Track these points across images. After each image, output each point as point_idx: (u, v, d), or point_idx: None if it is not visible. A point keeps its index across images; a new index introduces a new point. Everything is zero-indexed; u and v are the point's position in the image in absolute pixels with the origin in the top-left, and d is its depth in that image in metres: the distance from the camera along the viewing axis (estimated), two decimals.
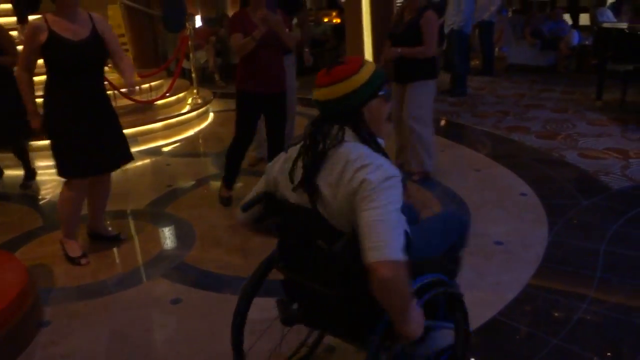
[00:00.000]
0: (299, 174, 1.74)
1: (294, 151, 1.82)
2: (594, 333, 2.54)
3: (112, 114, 3.38)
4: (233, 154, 4.18)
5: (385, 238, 1.50)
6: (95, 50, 3.19)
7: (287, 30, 3.93)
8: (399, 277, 1.51)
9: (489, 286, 2.93)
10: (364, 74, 1.72)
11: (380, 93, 1.77)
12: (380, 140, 1.78)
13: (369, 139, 1.73)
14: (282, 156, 1.89)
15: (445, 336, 1.98)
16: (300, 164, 1.75)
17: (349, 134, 1.72)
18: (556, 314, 2.70)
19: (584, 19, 12.79)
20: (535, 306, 2.76)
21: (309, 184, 1.69)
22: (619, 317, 2.64)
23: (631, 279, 2.95)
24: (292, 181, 1.77)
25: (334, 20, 13.16)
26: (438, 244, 2.04)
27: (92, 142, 3.23)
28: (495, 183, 4.47)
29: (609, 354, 2.40)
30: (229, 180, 4.24)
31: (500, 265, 3.14)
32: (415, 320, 1.65)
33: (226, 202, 4.22)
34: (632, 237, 3.43)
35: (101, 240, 3.58)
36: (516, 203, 4.04)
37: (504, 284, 2.93)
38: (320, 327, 2.12)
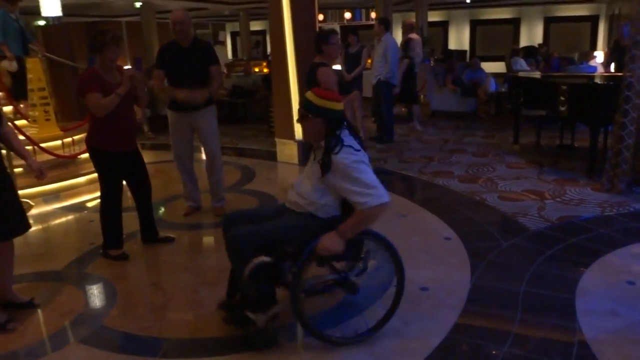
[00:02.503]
0: None
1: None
2: None
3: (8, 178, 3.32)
4: (110, 216, 4.13)
5: None
6: None
7: (145, 89, 4.23)
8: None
9: (414, 333, 2.95)
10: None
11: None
12: None
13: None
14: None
15: None
16: None
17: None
18: (480, 357, 2.74)
19: (497, 67, 13.65)
20: (459, 351, 2.80)
21: None
22: (539, 357, 2.72)
23: (549, 318, 3.07)
24: None
25: (264, 70, 13.38)
26: None
27: (14, 200, 3.20)
28: (420, 228, 4.58)
29: None
30: (115, 243, 4.17)
31: (425, 312, 3.18)
32: None
33: (121, 257, 4.14)
34: (548, 276, 3.58)
35: (13, 308, 3.35)
36: (441, 247, 4.14)
37: (428, 330, 2.97)
38: None
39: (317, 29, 6.86)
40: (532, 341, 2.86)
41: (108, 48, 3.81)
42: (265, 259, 2.66)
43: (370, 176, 2.69)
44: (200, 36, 4.86)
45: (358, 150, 2.73)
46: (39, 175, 3.45)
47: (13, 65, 7.10)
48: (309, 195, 2.84)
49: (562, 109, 6.06)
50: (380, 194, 2.64)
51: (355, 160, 2.68)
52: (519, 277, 3.57)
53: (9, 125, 3.42)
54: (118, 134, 3.95)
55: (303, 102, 2.81)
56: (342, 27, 16.83)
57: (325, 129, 2.74)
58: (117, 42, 3.88)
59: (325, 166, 2.70)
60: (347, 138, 2.75)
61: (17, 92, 7.28)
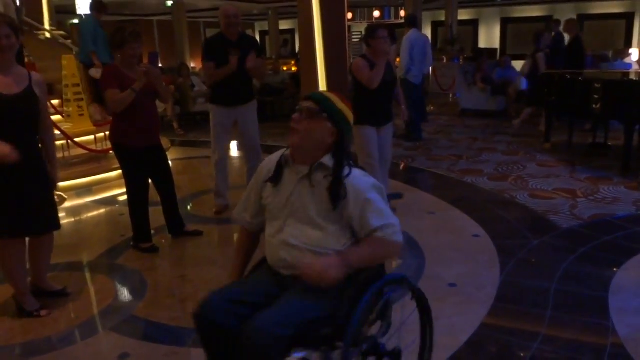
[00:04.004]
0: None
1: None
2: None
3: (41, 175, 3.18)
4: (137, 211, 4.18)
5: None
6: (26, 107, 3.03)
7: (164, 84, 4.18)
8: None
9: (443, 328, 2.90)
10: None
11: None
12: (287, 152, 2.16)
13: None
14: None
15: None
16: None
17: None
18: (509, 355, 2.71)
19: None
20: (488, 347, 2.77)
21: None
22: (570, 355, 2.67)
23: (581, 317, 3.01)
24: None
25: (293, 69, 13.43)
26: None
27: (16, 201, 3.05)
28: (449, 225, 4.54)
29: None
30: (144, 236, 4.23)
31: (454, 307, 3.15)
32: None
33: (152, 249, 4.21)
34: (581, 275, 3.51)
35: (46, 296, 3.43)
36: (469, 244, 4.10)
37: (457, 325, 2.94)
38: None
39: (347, 28, 6.87)
40: (563, 339, 2.80)
41: (128, 44, 3.86)
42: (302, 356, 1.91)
43: (388, 208, 2.06)
44: None
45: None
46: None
47: (100, 73, 7.23)
48: (323, 245, 2.01)
49: (596, 106, 5.93)
50: (399, 230, 2.03)
51: (374, 184, 2.06)
52: (550, 274, 3.50)
53: (51, 130, 3.38)
54: (140, 129, 3.97)
55: (317, 98, 2.10)
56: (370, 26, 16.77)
57: (336, 142, 2.06)
58: (137, 38, 3.90)
59: (339, 195, 1.98)
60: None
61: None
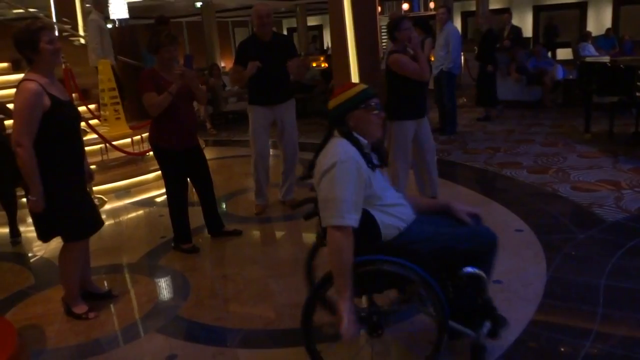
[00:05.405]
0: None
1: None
2: None
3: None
4: (176, 212, 4.22)
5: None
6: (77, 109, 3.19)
7: (200, 85, 4.23)
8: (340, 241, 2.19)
9: None
10: (350, 93, 2.39)
11: (362, 106, 2.37)
12: (364, 141, 2.38)
13: (350, 137, 2.35)
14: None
15: None
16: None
17: (336, 133, 2.38)
18: (561, 353, 2.64)
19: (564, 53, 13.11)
20: (538, 346, 2.70)
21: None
22: (625, 353, 2.58)
23: (634, 313, 2.91)
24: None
25: (322, 65, 13.39)
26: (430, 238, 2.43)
27: (90, 199, 3.25)
28: (490, 220, 4.38)
29: None
30: (184, 237, 4.27)
31: (501, 305, 3.03)
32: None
33: (192, 250, 4.24)
34: (631, 269, 3.40)
35: (93, 299, 3.49)
36: (512, 240, 4.01)
37: None
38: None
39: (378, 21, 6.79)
40: (617, 337, 2.72)
41: (164, 47, 3.90)
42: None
43: None
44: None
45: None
46: (88, 178, 3.40)
47: None
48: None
49: None
50: None
51: None
52: (599, 270, 3.40)
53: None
54: (177, 131, 4.01)
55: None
56: None
57: None
58: (172, 41, 3.94)
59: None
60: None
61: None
